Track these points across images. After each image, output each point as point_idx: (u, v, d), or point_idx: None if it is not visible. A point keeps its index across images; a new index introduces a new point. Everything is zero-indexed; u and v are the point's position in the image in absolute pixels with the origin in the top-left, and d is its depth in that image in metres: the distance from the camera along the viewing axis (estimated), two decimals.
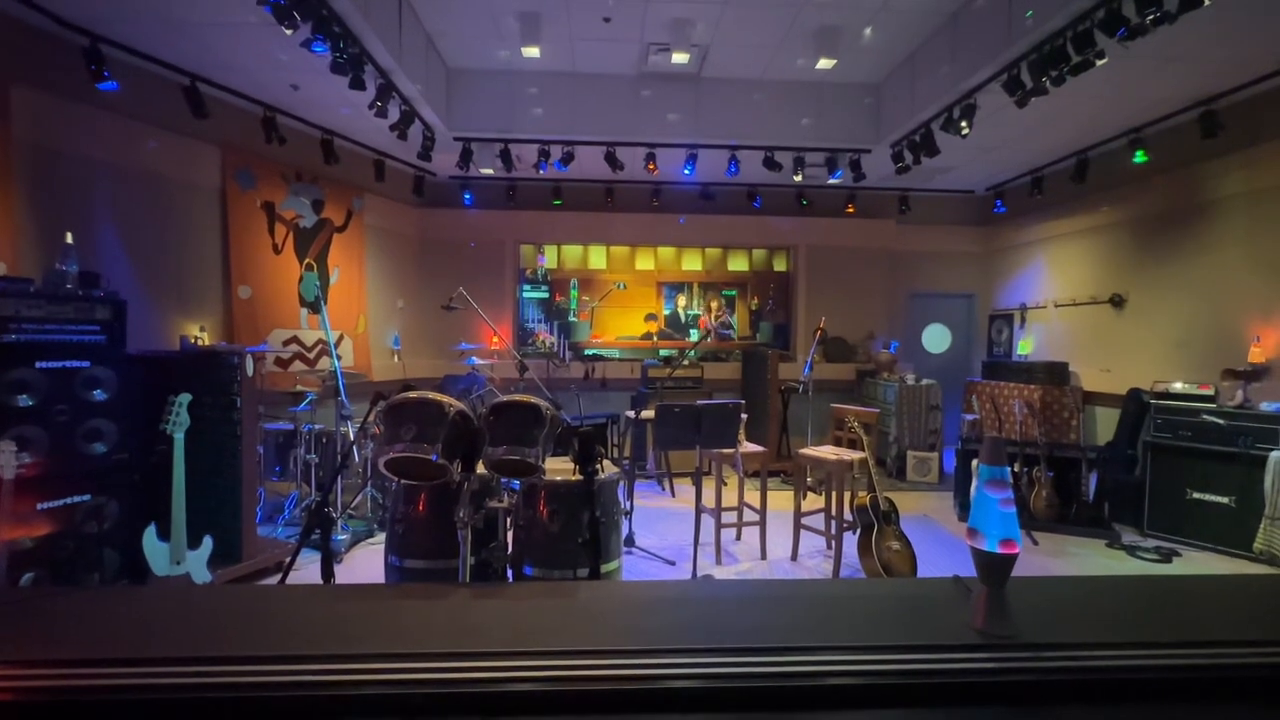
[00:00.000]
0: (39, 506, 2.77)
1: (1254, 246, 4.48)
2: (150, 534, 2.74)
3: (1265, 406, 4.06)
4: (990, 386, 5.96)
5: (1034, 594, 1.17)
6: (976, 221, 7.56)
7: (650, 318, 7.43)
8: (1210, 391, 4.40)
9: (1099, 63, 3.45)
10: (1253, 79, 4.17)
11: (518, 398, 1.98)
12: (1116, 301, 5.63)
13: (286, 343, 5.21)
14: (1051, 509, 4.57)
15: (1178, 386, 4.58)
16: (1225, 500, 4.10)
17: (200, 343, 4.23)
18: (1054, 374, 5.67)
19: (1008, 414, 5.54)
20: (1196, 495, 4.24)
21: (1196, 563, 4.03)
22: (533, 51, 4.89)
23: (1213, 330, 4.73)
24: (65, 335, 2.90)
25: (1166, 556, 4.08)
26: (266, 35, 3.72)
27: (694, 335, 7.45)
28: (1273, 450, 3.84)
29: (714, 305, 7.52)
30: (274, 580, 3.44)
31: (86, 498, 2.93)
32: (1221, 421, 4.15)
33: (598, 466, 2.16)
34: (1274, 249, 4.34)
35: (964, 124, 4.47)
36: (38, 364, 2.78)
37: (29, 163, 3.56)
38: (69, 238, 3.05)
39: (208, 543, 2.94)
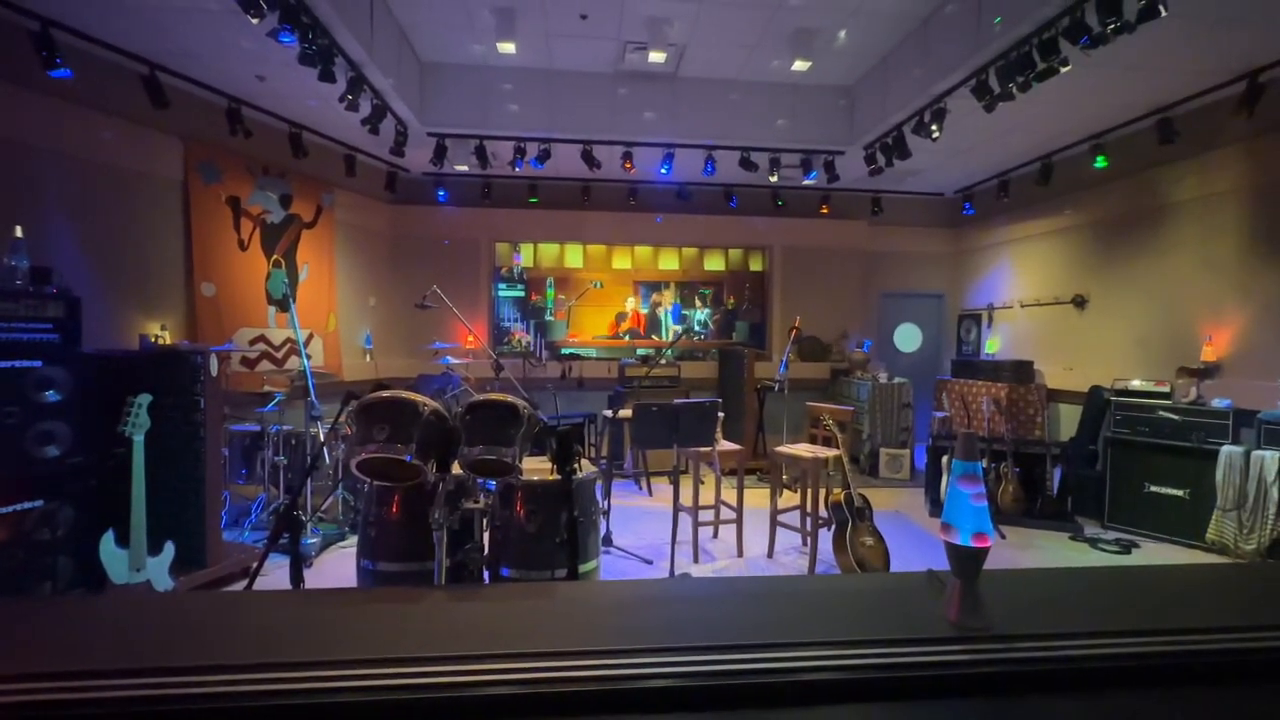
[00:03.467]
0: None
1: (1206, 250, 4.67)
2: (108, 540, 2.64)
3: (1216, 403, 4.24)
4: (960, 384, 6.11)
5: (1006, 586, 1.19)
6: (946, 223, 7.74)
7: (621, 317, 7.41)
8: (1166, 389, 4.58)
9: (1063, 70, 3.55)
10: (1206, 88, 4.35)
11: (494, 396, 1.96)
12: (1079, 302, 5.81)
13: (253, 341, 5.06)
14: (1018, 503, 4.71)
15: (1136, 384, 4.75)
16: (1180, 493, 4.27)
17: (161, 342, 4.09)
18: (1020, 372, 5.84)
19: (976, 411, 5.69)
20: (1154, 488, 4.41)
21: (1154, 553, 4.19)
22: (508, 47, 4.83)
23: (1169, 330, 4.92)
24: (15, 333, 2.77)
25: (1126, 548, 4.24)
26: (230, 23, 3.61)
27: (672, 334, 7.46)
28: (1223, 445, 4.01)
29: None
30: (240, 586, 3.34)
31: (38, 504, 2.80)
32: (1176, 417, 4.32)
33: (576, 466, 2.14)
34: (1224, 252, 4.53)
35: (934, 127, 4.56)
36: None
37: None
38: (19, 231, 2.91)
39: (169, 549, 2.84)
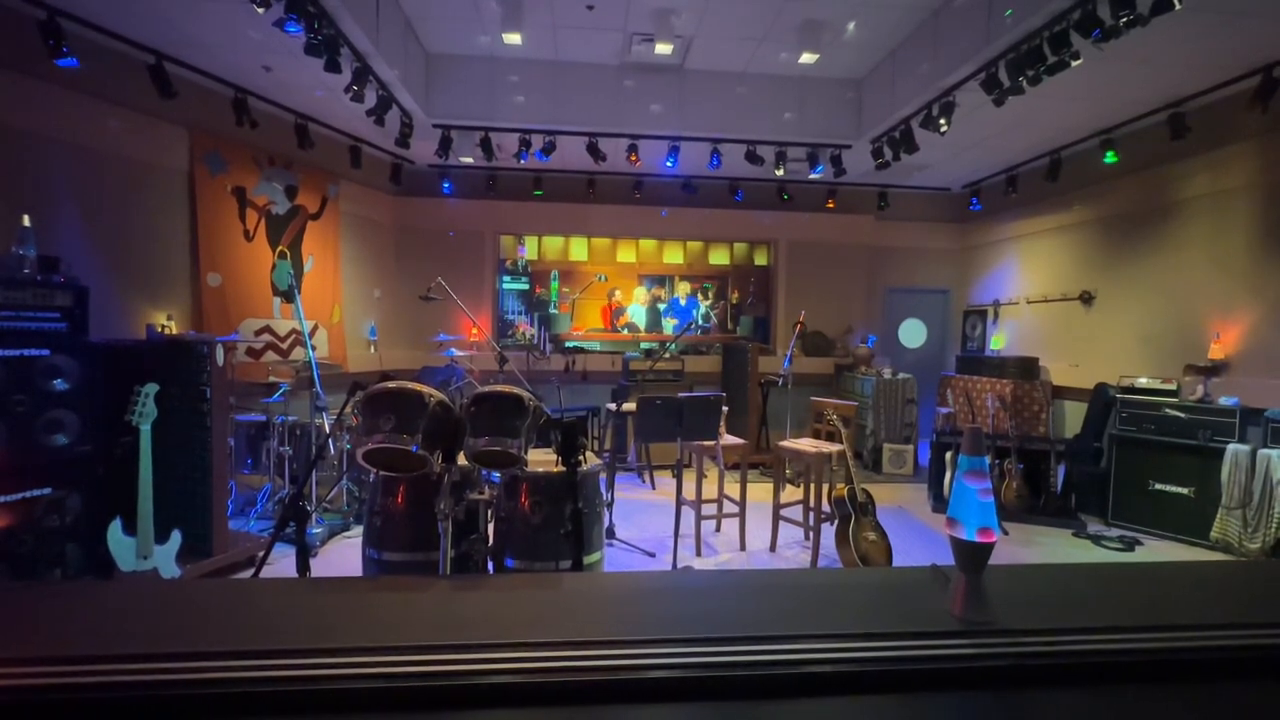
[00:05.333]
0: None
1: (1216, 247, 4.63)
2: (115, 528, 2.66)
3: (1224, 401, 4.21)
4: (964, 381, 6.09)
5: (1010, 581, 1.19)
6: (953, 218, 7.69)
7: (619, 313, 7.38)
8: (1173, 386, 4.56)
9: (1074, 63, 3.52)
10: (1218, 83, 4.29)
11: (499, 388, 1.96)
12: (1086, 298, 5.78)
13: (258, 332, 5.08)
14: (1021, 500, 4.70)
15: (1142, 381, 4.73)
16: (1185, 491, 4.26)
17: (168, 331, 4.11)
18: (1025, 369, 5.82)
19: (980, 407, 5.67)
20: (1158, 486, 4.39)
21: (1158, 551, 4.18)
22: (514, 38, 4.81)
23: (1176, 327, 4.88)
24: (23, 322, 2.78)
25: (1129, 545, 4.23)
26: (237, 13, 3.60)
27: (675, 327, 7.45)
28: (1230, 443, 3.99)
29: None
30: (246, 574, 3.37)
31: (47, 491, 2.83)
32: (1182, 415, 4.30)
33: (581, 458, 2.15)
34: (1234, 250, 4.49)
35: (943, 121, 4.53)
36: None
37: None
38: (26, 220, 2.92)
39: (176, 537, 2.87)
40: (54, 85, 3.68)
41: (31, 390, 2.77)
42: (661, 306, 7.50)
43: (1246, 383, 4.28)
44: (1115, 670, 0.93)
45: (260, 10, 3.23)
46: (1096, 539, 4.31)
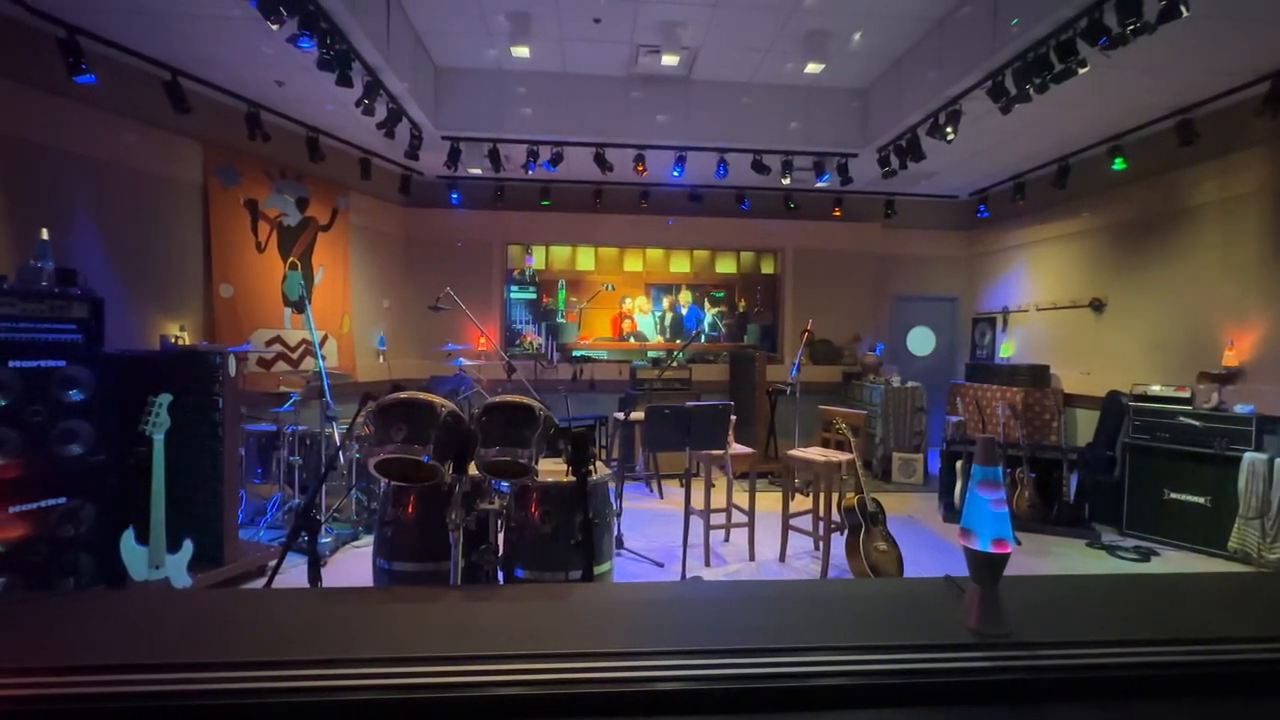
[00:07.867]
0: (11, 510, 2.70)
1: (1227, 253, 4.59)
2: (128, 538, 2.68)
3: (1239, 409, 4.16)
4: (974, 389, 6.04)
5: (1025, 593, 1.18)
6: (960, 226, 7.67)
7: (627, 321, 7.39)
8: (1186, 394, 4.50)
9: (1081, 71, 3.51)
10: (1227, 89, 4.27)
11: (510, 398, 1.97)
12: (1096, 305, 5.73)
13: (269, 343, 5.13)
14: (1033, 509, 4.64)
15: (1155, 389, 4.67)
16: (1201, 500, 4.19)
17: (181, 342, 4.15)
18: (1036, 376, 5.77)
19: (991, 415, 5.62)
20: (1173, 495, 4.33)
21: (1174, 561, 4.11)
22: (522, 51, 4.87)
23: (1189, 334, 4.83)
24: (40, 334, 2.83)
25: (1145, 555, 4.16)
26: (251, 30, 3.67)
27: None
28: (1246, 451, 3.93)
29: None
30: (257, 584, 3.39)
31: (62, 500, 2.86)
32: (1197, 423, 4.24)
33: (591, 468, 2.15)
34: (1246, 255, 4.45)
35: (949, 129, 4.53)
36: (11, 363, 2.70)
37: (3, 156, 3.47)
38: (44, 234, 2.97)
39: (188, 546, 2.88)
40: (72, 101, 3.76)
41: (47, 400, 2.81)
42: (666, 316, 7.51)
43: (1262, 390, 4.22)
44: (1133, 684, 0.92)
45: (274, 27, 3.29)
46: (1111, 549, 4.25)
